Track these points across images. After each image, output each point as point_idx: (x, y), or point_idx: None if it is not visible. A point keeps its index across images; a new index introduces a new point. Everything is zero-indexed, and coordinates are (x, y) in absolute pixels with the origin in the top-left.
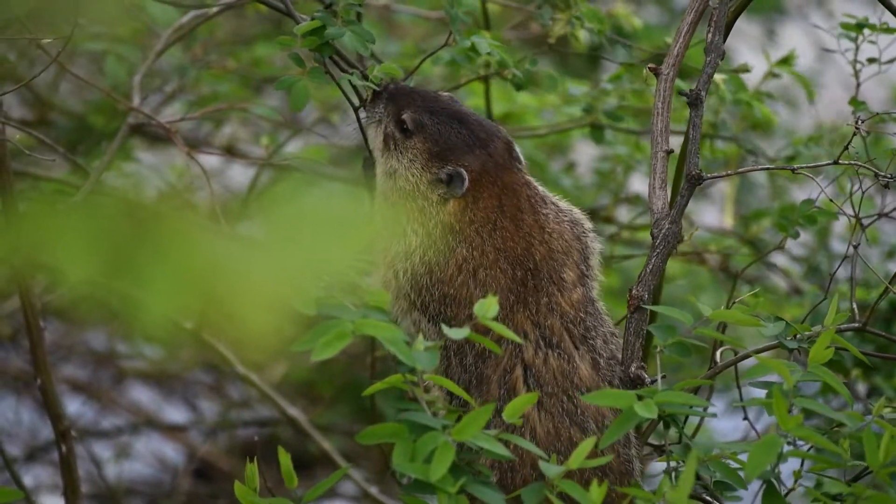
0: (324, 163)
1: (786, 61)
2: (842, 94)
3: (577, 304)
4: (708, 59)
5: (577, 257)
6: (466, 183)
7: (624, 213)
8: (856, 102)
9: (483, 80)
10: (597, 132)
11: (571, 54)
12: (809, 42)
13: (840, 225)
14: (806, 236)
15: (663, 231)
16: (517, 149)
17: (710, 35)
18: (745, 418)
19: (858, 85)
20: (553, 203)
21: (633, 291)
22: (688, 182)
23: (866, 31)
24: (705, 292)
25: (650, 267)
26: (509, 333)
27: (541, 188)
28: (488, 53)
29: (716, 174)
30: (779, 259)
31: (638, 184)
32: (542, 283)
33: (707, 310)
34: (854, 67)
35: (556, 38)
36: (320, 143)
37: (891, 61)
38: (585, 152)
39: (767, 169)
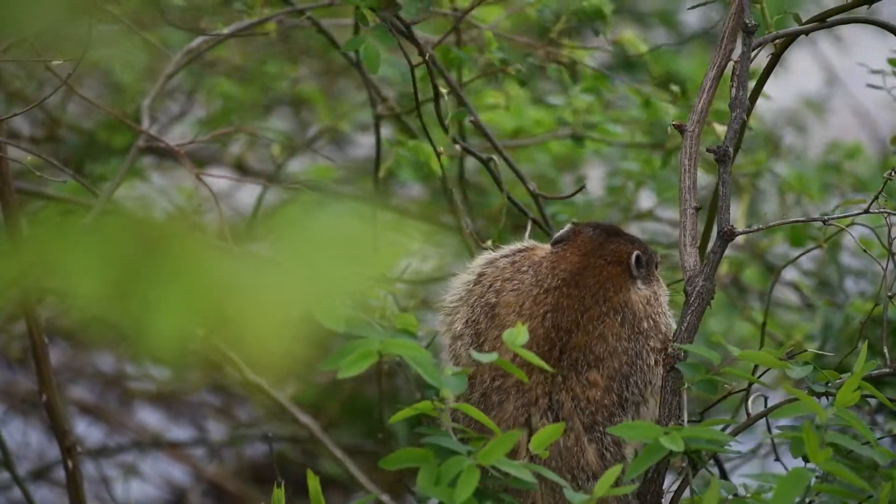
0: (332, 182)
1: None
2: (850, 119)
3: (592, 400)
4: (733, 114)
5: (613, 373)
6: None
7: (634, 230)
8: None
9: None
10: (578, 141)
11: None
12: (818, 67)
13: (850, 238)
14: (817, 250)
15: (697, 288)
16: (644, 261)
17: (734, 90)
18: (777, 459)
19: None
20: (647, 325)
21: (669, 350)
22: (720, 238)
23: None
24: (717, 314)
25: (685, 325)
26: (537, 360)
27: (656, 309)
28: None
29: (747, 229)
30: (789, 273)
31: (648, 200)
32: (565, 364)
33: (735, 350)
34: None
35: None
36: (328, 163)
37: None
38: (596, 168)
39: (798, 222)
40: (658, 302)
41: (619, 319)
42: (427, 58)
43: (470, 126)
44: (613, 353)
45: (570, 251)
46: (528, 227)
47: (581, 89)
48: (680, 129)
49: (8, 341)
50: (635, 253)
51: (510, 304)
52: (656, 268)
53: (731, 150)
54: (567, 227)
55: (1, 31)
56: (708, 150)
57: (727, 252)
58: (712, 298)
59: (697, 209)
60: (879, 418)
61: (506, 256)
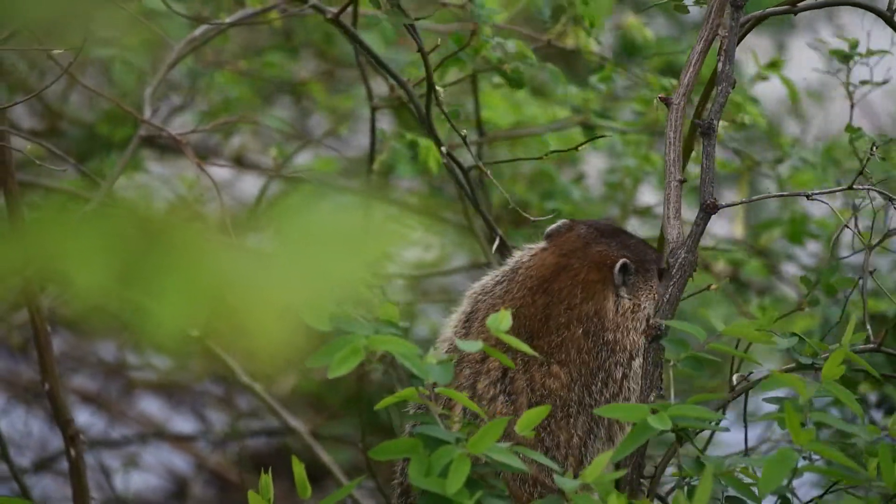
0: (333, 174)
1: (773, 65)
2: (847, 109)
3: (547, 387)
4: (719, 88)
5: (576, 377)
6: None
7: (633, 225)
8: (851, 129)
9: (472, 78)
10: (588, 131)
11: (581, 65)
12: (819, 55)
13: (849, 233)
14: (815, 246)
15: (679, 260)
16: (632, 269)
17: (720, 64)
18: (770, 438)
19: (853, 106)
20: (611, 338)
21: (651, 321)
22: (703, 211)
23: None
24: (715, 304)
25: (667, 296)
26: (519, 344)
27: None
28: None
29: (730, 203)
30: (788, 268)
31: (647, 196)
32: (529, 358)
33: (720, 325)
34: (848, 90)
35: (560, 40)
36: (330, 155)
37: (884, 82)
38: (595, 164)
39: (781, 196)
40: (635, 316)
41: (580, 331)
42: (424, 55)
43: (465, 119)
44: (575, 362)
45: (552, 251)
46: (496, 243)
47: (599, 79)
48: (666, 102)
49: (10, 330)
50: (622, 261)
51: (480, 311)
52: (660, 276)
53: (716, 123)
54: (561, 221)
55: (2, 20)
56: (693, 123)
57: (725, 247)
58: (694, 270)
59: (682, 182)
60: (877, 415)
61: (498, 282)
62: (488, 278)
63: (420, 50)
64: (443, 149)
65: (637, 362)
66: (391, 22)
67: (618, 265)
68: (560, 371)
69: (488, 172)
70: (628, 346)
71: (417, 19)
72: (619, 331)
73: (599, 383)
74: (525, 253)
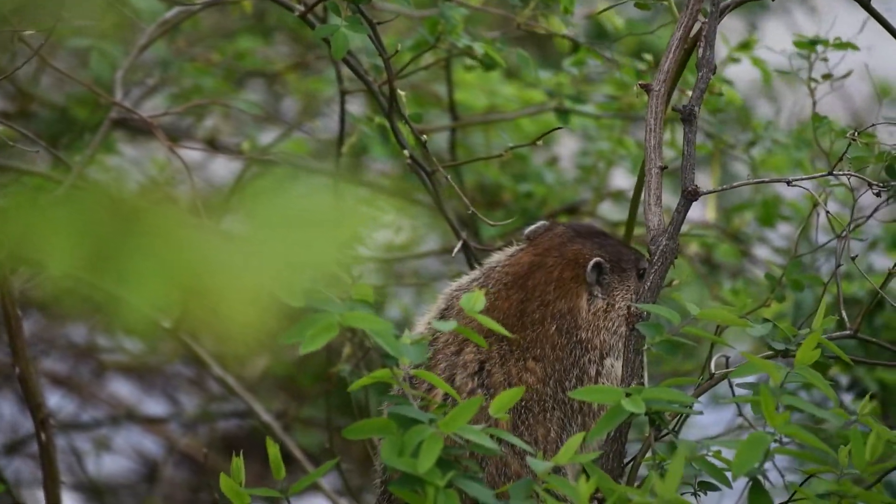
0: (305, 157)
1: (746, 47)
2: (823, 89)
3: (524, 382)
4: (700, 73)
5: (551, 372)
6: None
7: (606, 208)
8: (817, 118)
9: (445, 62)
10: (563, 115)
11: (552, 50)
12: (792, 37)
13: (821, 216)
14: (787, 228)
15: (660, 247)
16: (607, 269)
17: (701, 50)
18: (741, 414)
19: (815, 102)
20: (584, 336)
21: (633, 309)
22: (684, 198)
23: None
24: (688, 287)
25: (648, 284)
26: (496, 326)
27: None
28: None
29: (711, 189)
30: (760, 251)
31: (620, 179)
32: (505, 348)
33: (694, 308)
34: (809, 86)
35: (531, 25)
36: (301, 137)
37: (846, 76)
38: (568, 146)
39: (761, 182)
40: (608, 316)
41: (554, 327)
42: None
43: (433, 101)
44: (549, 358)
45: (528, 250)
46: (458, 246)
47: (572, 63)
48: (646, 88)
49: None
50: (594, 259)
51: (455, 307)
52: (639, 276)
53: (696, 109)
54: (540, 223)
55: None
56: (674, 110)
57: (700, 232)
58: (675, 257)
59: (663, 168)
60: (848, 398)
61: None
62: (465, 278)
63: (381, 54)
64: (406, 151)
65: (609, 361)
66: (351, 29)
67: (591, 263)
68: (536, 366)
69: (448, 177)
70: (599, 346)
71: (379, 23)
72: (591, 329)
73: (574, 380)
74: (502, 254)
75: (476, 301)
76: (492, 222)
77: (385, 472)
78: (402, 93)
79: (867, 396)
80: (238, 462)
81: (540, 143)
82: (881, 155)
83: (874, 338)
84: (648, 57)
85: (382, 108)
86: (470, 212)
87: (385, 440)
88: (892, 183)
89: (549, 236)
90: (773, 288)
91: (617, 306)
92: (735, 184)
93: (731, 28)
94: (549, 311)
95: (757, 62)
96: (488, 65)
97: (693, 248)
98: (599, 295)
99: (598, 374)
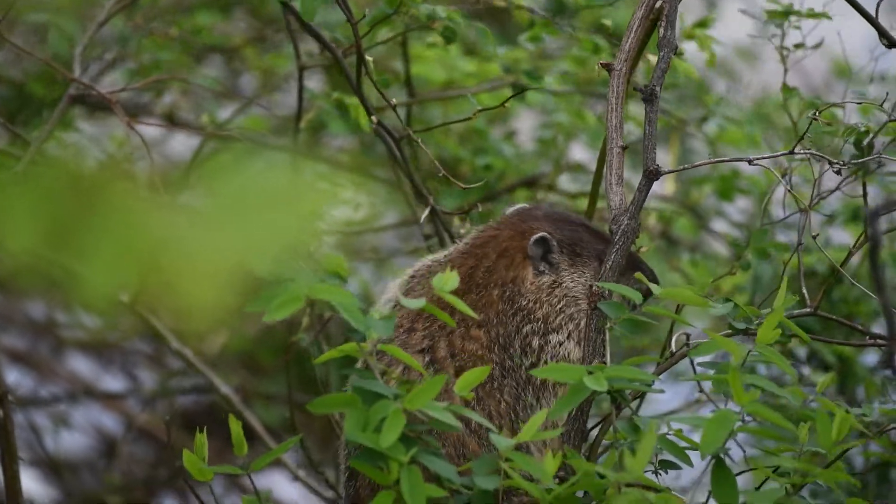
0: (263, 133)
1: (703, 24)
2: (780, 68)
3: (468, 350)
4: (661, 53)
5: (495, 338)
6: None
7: (565, 181)
8: (787, 90)
9: (402, 36)
10: (520, 92)
11: (512, 24)
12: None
13: (780, 192)
14: (745, 202)
15: (622, 227)
16: (554, 246)
17: (662, 30)
18: (701, 391)
19: (786, 71)
20: (525, 304)
21: (594, 288)
22: (645, 177)
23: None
24: (646, 260)
25: (610, 263)
26: (462, 306)
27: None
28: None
29: (672, 169)
30: (718, 225)
31: (579, 152)
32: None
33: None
34: (781, 54)
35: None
36: (261, 113)
37: (817, 45)
38: (526, 120)
39: (723, 161)
40: (552, 292)
41: (496, 292)
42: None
43: (391, 77)
44: (492, 322)
45: (494, 225)
46: (426, 212)
47: (528, 38)
48: (607, 67)
49: None
50: (539, 234)
51: (421, 272)
52: (600, 262)
53: (658, 89)
54: (518, 205)
55: None
56: (635, 89)
57: (660, 206)
58: (637, 237)
59: (624, 148)
60: (806, 370)
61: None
62: (441, 252)
63: (349, 19)
64: (373, 118)
65: (555, 338)
66: None
67: (534, 237)
68: (479, 332)
69: (419, 141)
70: (542, 318)
71: None
72: (536, 302)
73: (518, 348)
74: (476, 230)
75: (448, 281)
76: (462, 185)
77: (348, 458)
78: (370, 58)
79: (828, 376)
80: (201, 438)
81: (507, 105)
82: (848, 129)
83: (832, 313)
84: (608, 22)
85: (348, 76)
86: (440, 174)
87: (348, 414)
88: (853, 162)
89: (520, 215)
90: (739, 256)
91: (563, 285)
92: (696, 163)
93: (690, 5)
94: (494, 277)
95: (704, 43)
96: (448, 37)
97: (652, 221)
98: (546, 271)
99: (542, 348)
